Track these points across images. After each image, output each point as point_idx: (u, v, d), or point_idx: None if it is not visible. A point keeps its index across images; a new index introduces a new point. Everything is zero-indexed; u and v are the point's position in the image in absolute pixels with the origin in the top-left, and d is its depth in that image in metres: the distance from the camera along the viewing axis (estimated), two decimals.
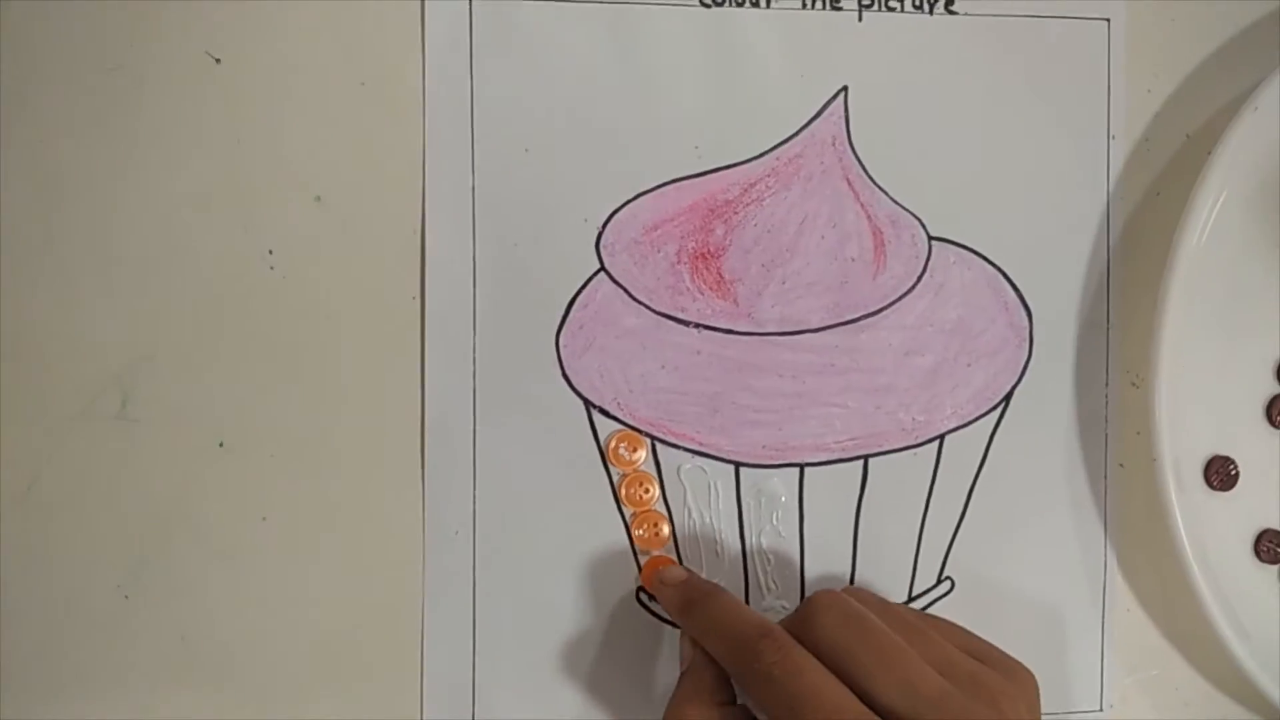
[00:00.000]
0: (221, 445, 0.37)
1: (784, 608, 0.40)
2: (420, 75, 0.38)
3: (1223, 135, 0.40)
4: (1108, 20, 0.41)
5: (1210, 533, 0.41)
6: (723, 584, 0.39)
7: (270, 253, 0.37)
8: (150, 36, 0.36)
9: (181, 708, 0.37)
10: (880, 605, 0.35)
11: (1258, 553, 0.42)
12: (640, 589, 0.39)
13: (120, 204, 0.37)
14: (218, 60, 0.37)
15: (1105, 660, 0.42)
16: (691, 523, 0.39)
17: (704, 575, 0.39)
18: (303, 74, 0.37)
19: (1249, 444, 0.42)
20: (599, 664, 0.39)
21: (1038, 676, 0.38)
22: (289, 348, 0.37)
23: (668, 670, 0.39)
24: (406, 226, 0.38)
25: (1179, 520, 0.40)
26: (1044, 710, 0.39)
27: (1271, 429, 0.42)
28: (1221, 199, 0.40)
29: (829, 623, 0.32)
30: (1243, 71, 0.42)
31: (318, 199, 0.37)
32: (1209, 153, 0.39)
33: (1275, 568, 0.42)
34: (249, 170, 0.37)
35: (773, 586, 0.40)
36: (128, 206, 0.37)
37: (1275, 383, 0.43)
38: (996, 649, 0.35)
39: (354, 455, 0.38)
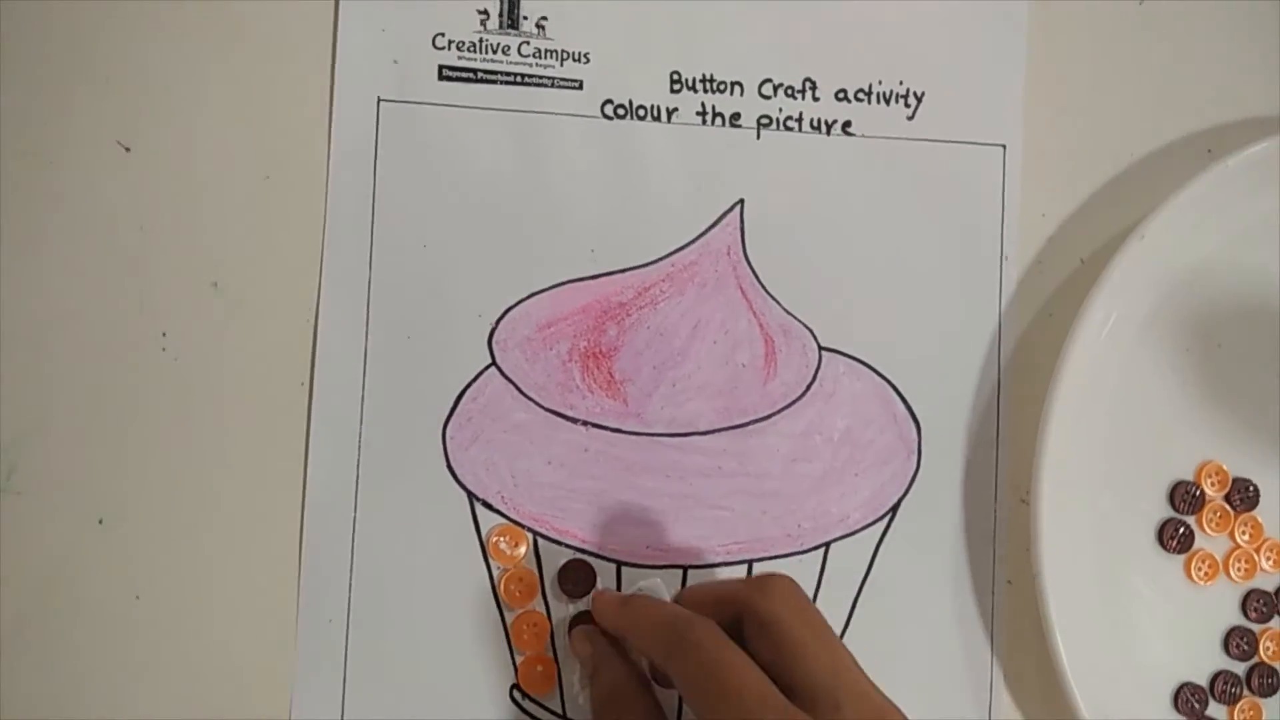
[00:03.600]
0: (101, 522, 0.37)
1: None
2: (325, 171, 0.39)
3: (1109, 262, 0.41)
4: (1004, 146, 0.42)
5: (1098, 655, 0.41)
6: None
7: (164, 334, 0.38)
8: (63, 123, 0.38)
9: None
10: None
11: None
12: (514, 686, 0.39)
13: (21, 278, 0.38)
14: (128, 149, 0.38)
15: None
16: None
17: (578, 679, 0.39)
18: (210, 164, 0.39)
19: (1139, 568, 0.42)
20: None
21: None
22: (176, 428, 0.38)
23: None
24: (301, 315, 0.39)
25: (1059, 641, 0.40)
26: None
27: (1163, 552, 0.43)
28: (1110, 322, 0.41)
29: (779, 595, 0.33)
30: (1139, 198, 0.43)
31: (215, 285, 0.38)
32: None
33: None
34: (150, 254, 0.38)
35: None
36: (29, 279, 0.38)
37: (1168, 507, 0.43)
38: None
39: (233, 538, 0.38)
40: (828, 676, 0.31)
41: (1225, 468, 0.43)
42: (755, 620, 0.33)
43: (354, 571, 0.38)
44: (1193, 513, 0.43)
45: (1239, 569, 0.43)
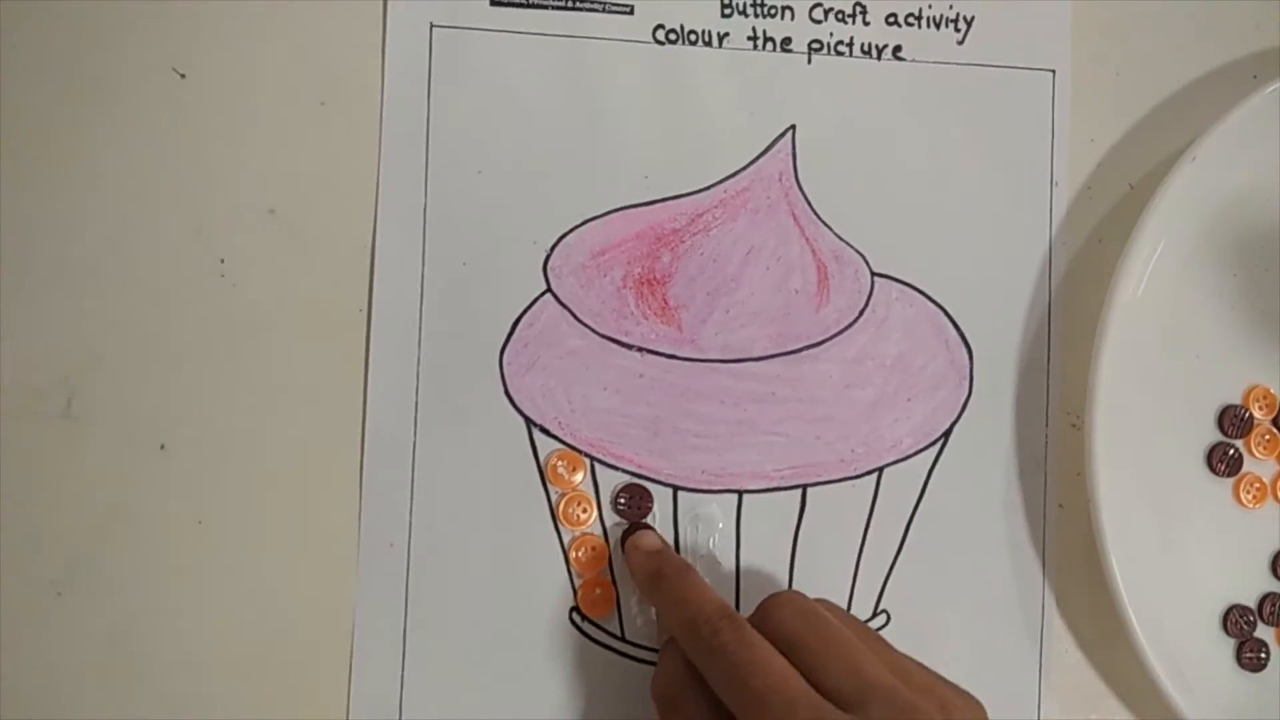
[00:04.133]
0: (163, 448, 0.38)
1: None
2: (379, 97, 0.39)
3: (1160, 185, 0.41)
4: (1053, 71, 0.42)
5: (1148, 578, 0.41)
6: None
7: (222, 261, 0.38)
8: (119, 51, 0.38)
9: (107, 709, 0.37)
10: (843, 614, 0.36)
11: None
12: (574, 609, 0.39)
13: (79, 207, 0.38)
14: (183, 75, 0.38)
15: (1042, 703, 0.42)
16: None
17: (636, 601, 0.39)
18: (265, 91, 0.39)
19: (1189, 490, 0.42)
20: (529, 683, 0.39)
21: None
22: (235, 355, 0.38)
23: (599, 690, 0.39)
24: (357, 241, 0.39)
25: (1113, 563, 0.40)
26: None
27: (1212, 475, 0.43)
28: (1159, 248, 0.42)
29: (784, 615, 0.33)
30: (1186, 124, 0.43)
31: (272, 211, 0.38)
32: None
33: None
34: (206, 181, 0.38)
35: None
36: (86, 210, 0.38)
37: (1216, 431, 0.43)
38: (955, 685, 0.35)
39: (294, 464, 0.38)
40: (850, 680, 0.31)
41: (1273, 391, 0.43)
42: (770, 640, 0.33)
43: (414, 496, 0.39)
44: (1241, 436, 0.43)
45: None
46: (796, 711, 0.30)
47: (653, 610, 0.39)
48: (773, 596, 0.34)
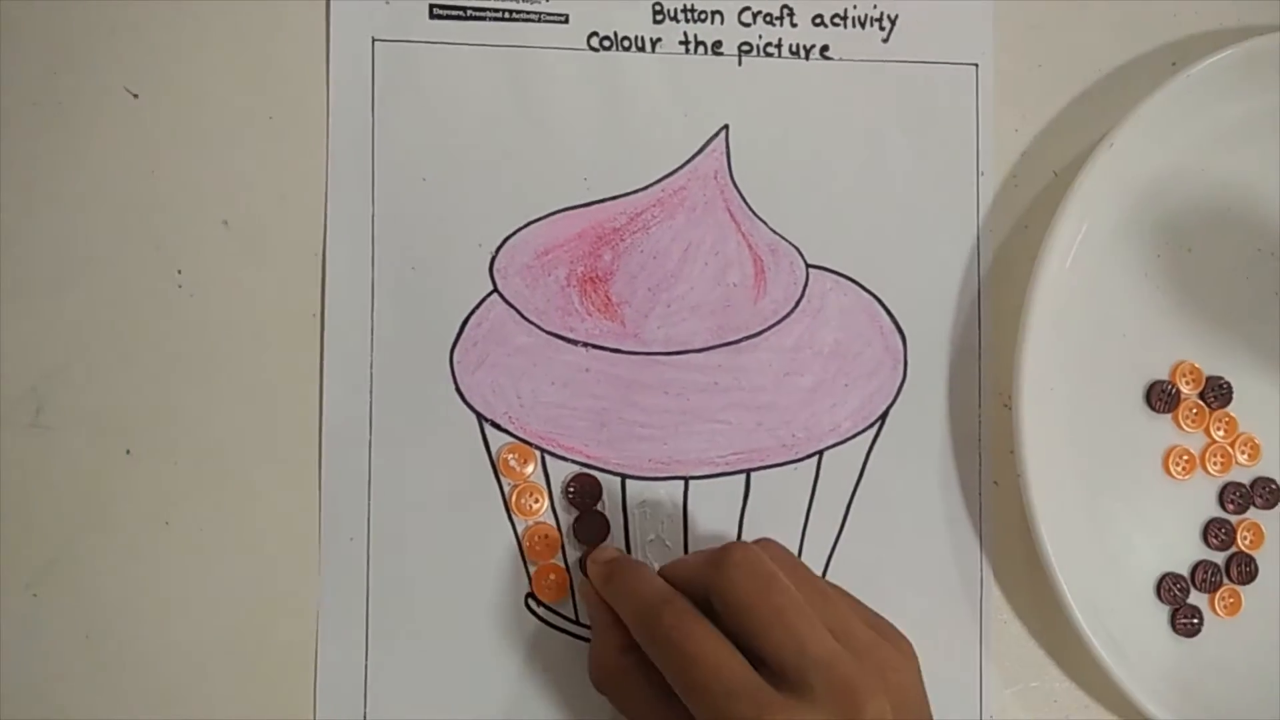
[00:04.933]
0: (129, 453, 0.39)
1: None
2: (325, 109, 0.41)
3: (1080, 172, 0.42)
4: (976, 65, 0.44)
5: (1081, 550, 0.43)
6: None
7: (179, 272, 0.40)
8: (73, 72, 0.39)
9: (83, 706, 0.39)
10: (791, 564, 0.36)
11: None
12: (529, 595, 0.41)
13: (40, 224, 0.39)
14: (135, 95, 0.40)
15: (984, 672, 0.43)
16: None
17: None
18: (215, 107, 0.40)
19: (1119, 464, 0.44)
20: (489, 667, 0.41)
21: None
22: (195, 361, 0.40)
23: (557, 674, 0.41)
24: (309, 249, 0.40)
25: (1044, 537, 0.41)
26: None
27: (1141, 449, 0.44)
28: (1082, 232, 0.43)
29: (737, 576, 0.33)
30: (1107, 111, 0.44)
31: (225, 223, 0.40)
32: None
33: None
34: (162, 195, 0.40)
35: None
36: (47, 226, 0.39)
37: (1144, 406, 0.45)
38: (889, 624, 0.37)
39: (254, 464, 0.40)
40: (793, 653, 0.32)
41: (1199, 366, 0.45)
42: (718, 602, 0.34)
43: (371, 492, 0.40)
44: (1169, 411, 0.45)
45: (1215, 463, 0.45)
46: (736, 703, 0.31)
47: None
48: (728, 550, 0.34)
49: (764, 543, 0.38)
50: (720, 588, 0.33)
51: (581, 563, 0.41)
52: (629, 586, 0.37)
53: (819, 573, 0.43)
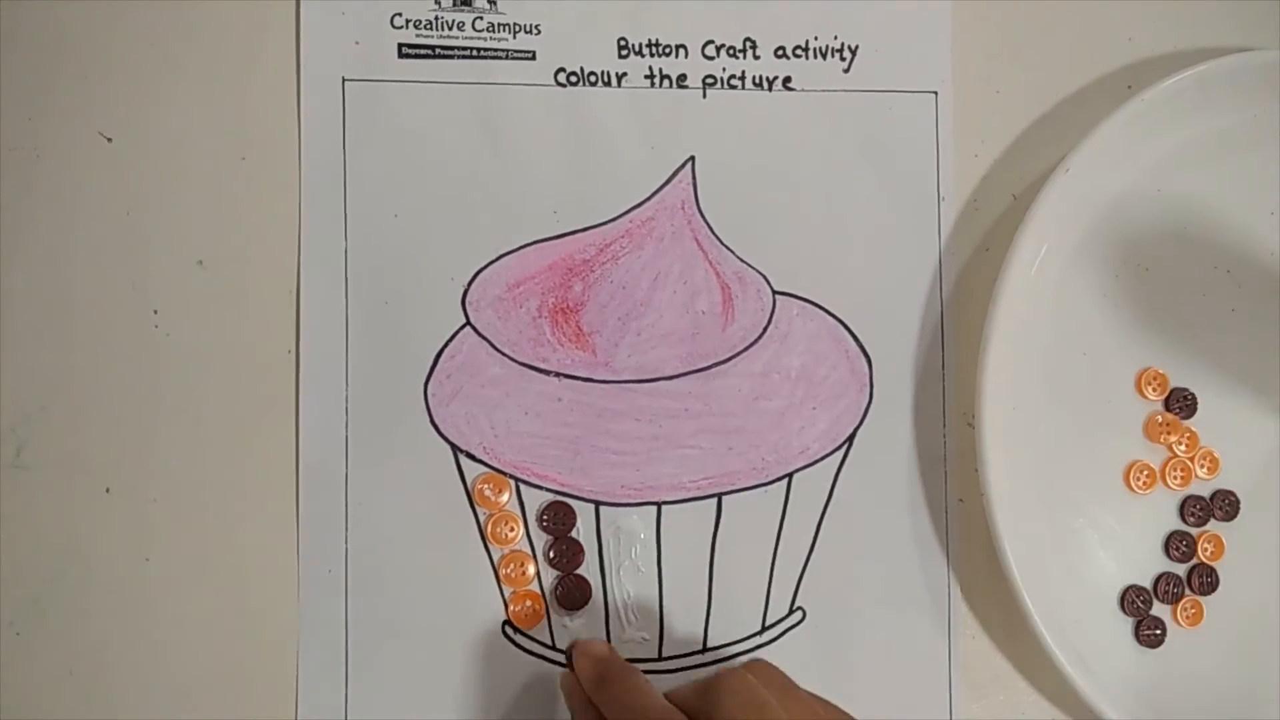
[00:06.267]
0: (109, 491, 0.40)
1: (644, 639, 0.43)
2: (297, 149, 0.41)
3: (1038, 194, 0.43)
4: (935, 93, 0.45)
5: (1045, 564, 0.44)
6: (585, 620, 0.42)
7: (155, 312, 0.40)
8: (47, 117, 0.40)
9: None
10: (781, 685, 0.37)
11: None
12: (506, 622, 0.42)
13: (18, 268, 0.40)
14: (109, 139, 0.40)
15: (953, 684, 0.44)
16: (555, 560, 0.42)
17: (565, 611, 0.42)
18: (188, 150, 0.41)
19: (1081, 480, 0.45)
20: (467, 694, 0.41)
21: (888, 701, 0.42)
22: (173, 400, 0.40)
23: (533, 696, 0.42)
24: (283, 287, 0.41)
25: (1008, 552, 0.42)
26: None
27: (1104, 465, 0.45)
28: (1041, 253, 0.44)
29: (730, 706, 0.34)
30: (1065, 135, 0.45)
31: (200, 263, 0.41)
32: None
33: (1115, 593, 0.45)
34: (137, 237, 0.40)
35: (633, 619, 0.43)
36: (24, 269, 0.40)
37: (1106, 425, 0.46)
38: None
39: (233, 499, 0.41)
40: None
41: (1163, 371, 0.46)
42: None
43: (349, 524, 0.41)
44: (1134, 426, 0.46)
45: (1175, 477, 0.46)
46: None
47: (582, 619, 0.42)
48: (720, 681, 0.35)
49: (754, 665, 0.38)
50: (713, 713, 0.34)
51: (567, 655, 0.41)
52: (625, 697, 0.37)
53: (790, 596, 0.43)
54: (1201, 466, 0.46)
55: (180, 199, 0.41)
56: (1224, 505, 0.46)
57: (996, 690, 0.45)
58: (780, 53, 0.44)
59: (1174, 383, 0.46)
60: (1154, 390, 0.46)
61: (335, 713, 0.41)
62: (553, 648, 0.42)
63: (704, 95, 0.44)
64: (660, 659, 0.42)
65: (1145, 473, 0.46)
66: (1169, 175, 0.46)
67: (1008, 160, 0.46)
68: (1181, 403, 0.46)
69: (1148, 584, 0.45)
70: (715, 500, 0.43)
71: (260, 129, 0.41)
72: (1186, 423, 0.46)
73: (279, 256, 0.41)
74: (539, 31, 0.42)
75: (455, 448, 0.42)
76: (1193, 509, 0.46)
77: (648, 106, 0.43)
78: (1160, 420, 0.46)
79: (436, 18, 0.42)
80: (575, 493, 0.42)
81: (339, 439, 0.41)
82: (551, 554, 0.42)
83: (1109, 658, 0.44)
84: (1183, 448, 0.46)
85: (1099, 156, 0.44)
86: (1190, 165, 0.46)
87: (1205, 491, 0.46)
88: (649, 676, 0.41)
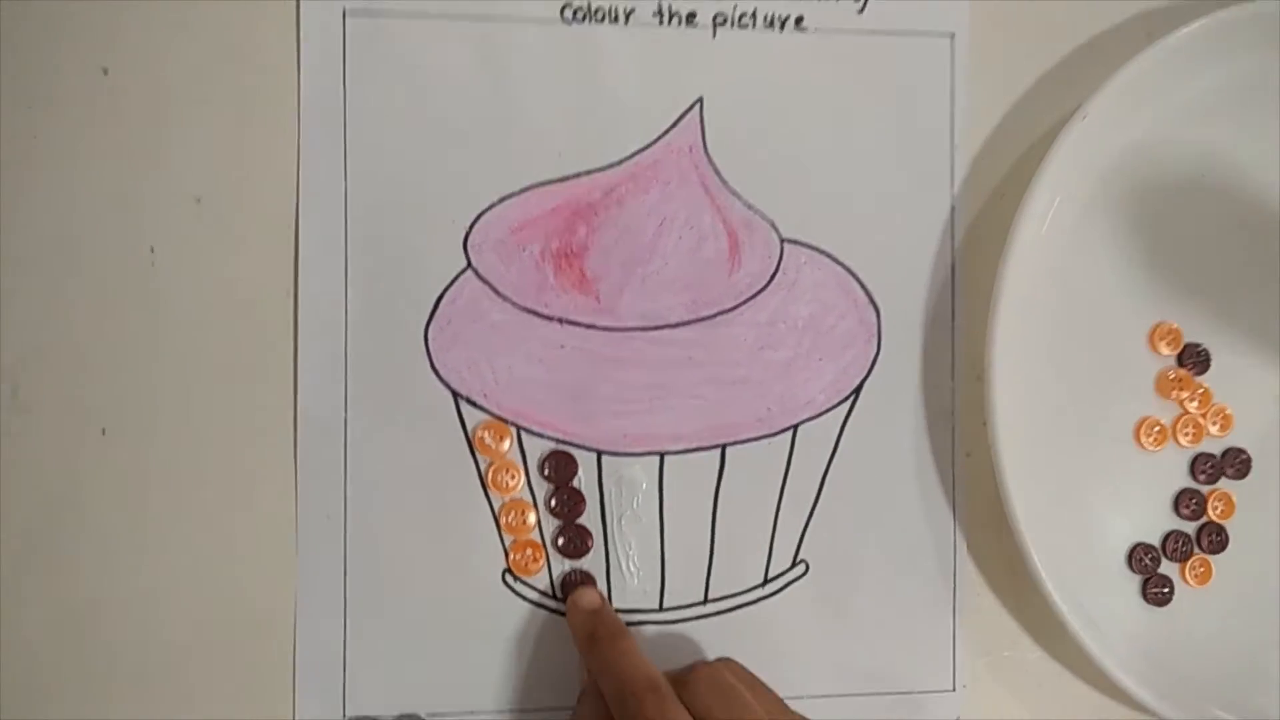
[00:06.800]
0: (104, 433, 0.39)
1: (645, 590, 0.42)
2: (296, 85, 0.40)
3: (1054, 142, 0.42)
4: (952, 35, 0.44)
5: (1053, 521, 0.43)
6: (587, 568, 0.42)
7: (152, 250, 0.40)
8: (45, 51, 0.39)
9: (66, 682, 0.39)
10: (750, 682, 0.39)
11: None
12: (506, 571, 0.41)
13: (13, 206, 0.39)
14: (106, 71, 0.39)
15: (957, 641, 0.44)
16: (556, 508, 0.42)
17: (565, 560, 0.41)
18: (186, 83, 0.40)
19: (1091, 436, 0.45)
20: (467, 642, 0.41)
21: (891, 657, 0.42)
22: (169, 341, 0.40)
23: (533, 650, 0.42)
24: (281, 226, 0.40)
25: (1016, 508, 0.42)
26: (898, 689, 0.42)
27: (1114, 420, 0.45)
28: (1056, 202, 0.43)
29: (702, 689, 0.36)
30: (1082, 82, 0.44)
31: (198, 200, 0.40)
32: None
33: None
34: (133, 173, 0.39)
35: (634, 570, 0.42)
36: (20, 208, 0.39)
37: (1118, 380, 0.45)
38: None
39: (230, 443, 0.40)
40: None
41: (1178, 327, 0.45)
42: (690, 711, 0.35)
43: (348, 470, 0.40)
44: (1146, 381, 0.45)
45: (1186, 434, 0.45)
46: None
47: (580, 570, 0.42)
48: (694, 668, 0.37)
49: (725, 662, 0.39)
50: (686, 697, 0.35)
51: (562, 589, 0.42)
52: (612, 659, 0.37)
53: (793, 549, 0.43)
54: (1214, 424, 0.45)
55: (178, 134, 0.40)
56: (1235, 463, 0.45)
57: (1001, 647, 0.45)
58: None
59: (1187, 338, 0.45)
60: (1167, 345, 0.45)
61: (334, 660, 0.40)
62: (553, 596, 0.42)
63: (714, 34, 0.43)
64: (661, 609, 0.42)
65: (1156, 429, 0.45)
66: (1188, 124, 0.45)
67: (1023, 107, 0.45)
68: (1195, 358, 0.45)
69: (1156, 542, 0.45)
70: (719, 451, 0.42)
71: (260, 63, 0.40)
72: (1199, 379, 0.45)
73: (277, 194, 0.40)
74: None
75: (456, 394, 0.41)
76: (1203, 466, 0.45)
77: (655, 45, 0.42)
78: (1172, 376, 0.45)
79: None
80: (577, 441, 0.42)
81: (338, 383, 0.40)
82: (553, 503, 0.41)
83: (1115, 616, 0.44)
84: (1195, 404, 0.45)
85: (1117, 103, 0.43)
86: (1210, 114, 0.45)
87: (1217, 449, 0.45)
88: (650, 627, 0.41)
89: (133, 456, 0.39)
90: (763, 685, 0.39)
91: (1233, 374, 0.45)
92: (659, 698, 0.35)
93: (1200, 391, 0.45)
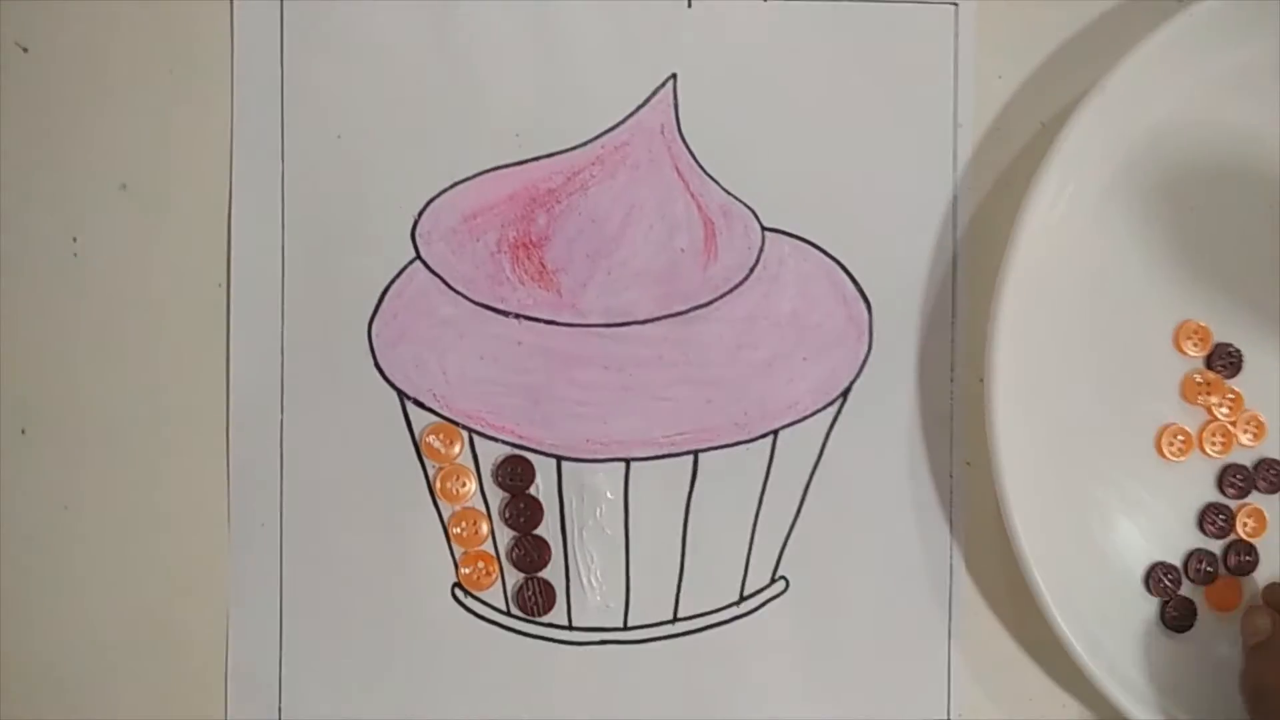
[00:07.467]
0: (24, 433, 0.37)
1: (608, 607, 0.39)
2: (229, 61, 0.38)
3: (1068, 120, 0.38)
4: (955, 4, 0.40)
5: (1060, 536, 0.39)
6: (543, 584, 0.39)
7: (75, 240, 0.38)
8: None
9: None
10: None
11: None
12: (456, 585, 0.39)
13: None
14: (25, 49, 0.37)
15: (952, 667, 0.41)
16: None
17: (521, 574, 0.39)
18: (111, 61, 0.38)
19: (1106, 444, 0.41)
20: (413, 661, 0.39)
21: (879, 684, 0.39)
22: (94, 334, 0.38)
23: (484, 667, 0.39)
24: (213, 214, 0.38)
25: (1016, 522, 0.38)
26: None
27: (1134, 429, 0.41)
28: (1070, 187, 0.39)
29: None
30: (1100, 57, 0.40)
31: (124, 186, 0.38)
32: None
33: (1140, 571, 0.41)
34: (55, 158, 0.38)
35: (596, 585, 0.39)
36: None
37: (1136, 384, 0.41)
38: None
39: (158, 445, 0.38)
40: None
41: (1207, 326, 0.41)
42: None
43: (284, 475, 0.38)
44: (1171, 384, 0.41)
45: (1215, 444, 0.41)
46: None
47: (537, 581, 0.39)
48: None
49: None
50: None
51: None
52: None
53: (771, 564, 0.40)
54: (1245, 432, 0.41)
55: (102, 116, 0.38)
56: (1270, 475, 0.41)
57: (1001, 675, 0.41)
58: None
59: (1217, 338, 0.41)
60: (1194, 346, 0.41)
61: (269, 678, 0.38)
62: (506, 612, 0.39)
63: (689, 4, 0.39)
64: (625, 628, 0.39)
65: (1180, 437, 0.41)
66: (1219, 102, 0.40)
67: (1036, 83, 0.41)
68: (1225, 360, 0.41)
69: (1178, 561, 0.41)
70: (691, 458, 0.39)
71: (190, 39, 0.38)
72: (1230, 382, 0.41)
73: (209, 181, 0.38)
74: None
75: (402, 394, 0.38)
76: (1233, 479, 0.41)
77: (625, 16, 0.39)
78: (1199, 380, 0.41)
79: None
80: (535, 446, 0.39)
81: (274, 381, 0.38)
82: (507, 512, 0.39)
83: (1130, 642, 0.40)
84: (1224, 410, 0.41)
85: (1140, 78, 0.39)
86: (1245, 91, 0.40)
87: (1248, 460, 0.41)
88: (612, 647, 0.38)
89: (54, 459, 0.38)
90: None
91: (1267, 377, 0.41)
92: None
93: (1230, 397, 0.41)
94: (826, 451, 0.40)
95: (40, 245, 0.37)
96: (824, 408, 0.40)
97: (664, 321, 0.39)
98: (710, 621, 0.40)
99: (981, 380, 0.40)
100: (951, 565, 0.41)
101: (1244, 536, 0.41)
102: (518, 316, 0.39)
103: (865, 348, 0.40)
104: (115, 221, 0.38)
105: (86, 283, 0.37)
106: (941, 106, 0.40)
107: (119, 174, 0.38)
